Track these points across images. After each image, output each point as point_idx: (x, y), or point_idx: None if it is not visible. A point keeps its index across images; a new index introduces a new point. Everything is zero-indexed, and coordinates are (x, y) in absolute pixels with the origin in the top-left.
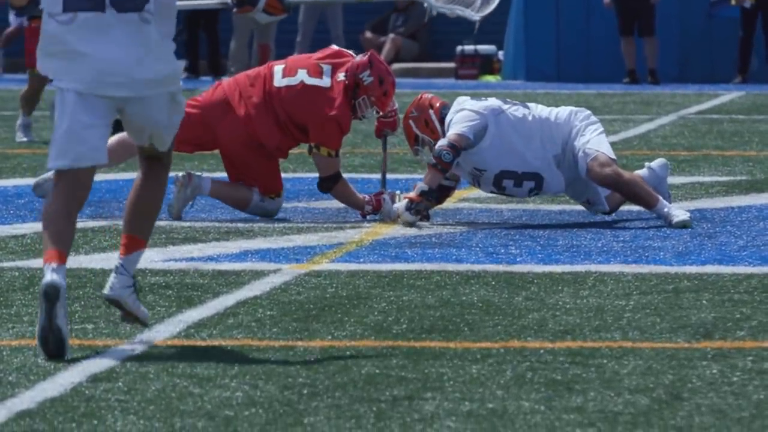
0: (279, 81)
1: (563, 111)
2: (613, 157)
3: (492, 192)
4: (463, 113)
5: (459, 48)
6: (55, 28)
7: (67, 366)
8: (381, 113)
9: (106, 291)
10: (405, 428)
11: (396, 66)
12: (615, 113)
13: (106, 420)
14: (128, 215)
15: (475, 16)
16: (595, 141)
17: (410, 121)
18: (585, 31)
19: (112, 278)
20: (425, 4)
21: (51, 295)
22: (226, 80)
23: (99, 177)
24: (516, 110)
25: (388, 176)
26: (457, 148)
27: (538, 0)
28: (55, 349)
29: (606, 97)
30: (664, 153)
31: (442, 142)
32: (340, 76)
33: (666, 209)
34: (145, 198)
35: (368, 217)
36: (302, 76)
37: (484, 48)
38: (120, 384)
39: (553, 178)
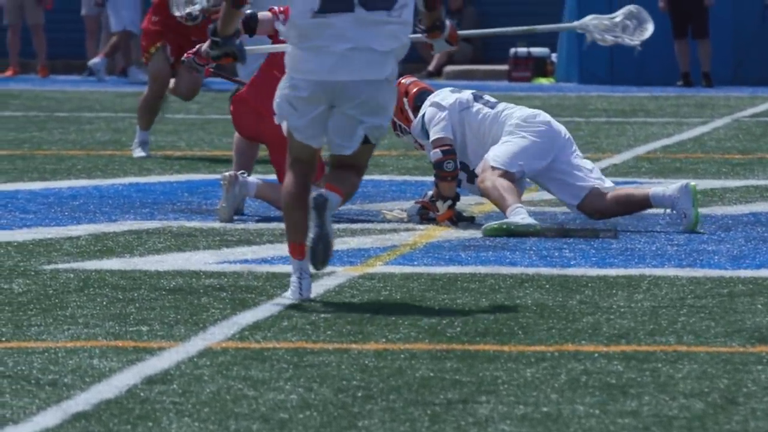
0: None
1: (517, 113)
2: (497, 166)
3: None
4: (431, 110)
5: (512, 50)
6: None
7: (122, 368)
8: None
9: (318, 193)
10: None
11: (449, 68)
12: (669, 116)
13: (161, 422)
14: (332, 175)
15: (633, 41)
16: (497, 150)
17: None
18: None
19: (325, 191)
20: (585, 34)
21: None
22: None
23: (153, 179)
24: (481, 109)
25: (419, 179)
26: (449, 150)
27: (591, 2)
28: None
29: (660, 100)
30: (718, 156)
31: (436, 154)
32: None
33: (510, 214)
34: (344, 177)
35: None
36: None
37: (537, 50)
38: (175, 386)
39: None
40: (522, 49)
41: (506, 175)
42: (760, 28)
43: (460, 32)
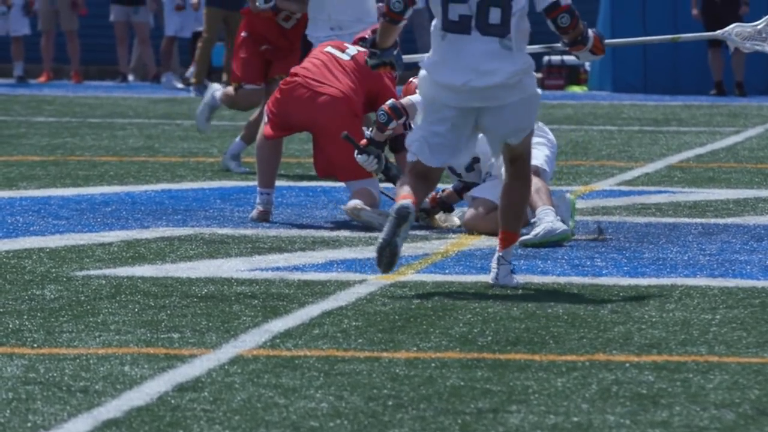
0: (343, 55)
1: None
2: (543, 167)
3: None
4: None
5: (545, 58)
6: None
7: (153, 375)
8: None
9: (491, 280)
10: None
11: None
12: (702, 125)
13: (192, 430)
14: (503, 214)
15: None
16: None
17: None
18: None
19: (495, 269)
20: (726, 41)
21: (403, 215)
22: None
23: (185, 185)
24: None
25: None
26: (396, 108)
27: (624, 10)
28: (388, 263)
29: (693, 109)
30: (751, 166)
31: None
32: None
33: (542, 216)
34: (514, 198)
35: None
36: (353, 50)
37: (570, 59)
38: (206, 394)
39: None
40: (555, 58)
41: (538, 173)
42: None
43: (609, 41)
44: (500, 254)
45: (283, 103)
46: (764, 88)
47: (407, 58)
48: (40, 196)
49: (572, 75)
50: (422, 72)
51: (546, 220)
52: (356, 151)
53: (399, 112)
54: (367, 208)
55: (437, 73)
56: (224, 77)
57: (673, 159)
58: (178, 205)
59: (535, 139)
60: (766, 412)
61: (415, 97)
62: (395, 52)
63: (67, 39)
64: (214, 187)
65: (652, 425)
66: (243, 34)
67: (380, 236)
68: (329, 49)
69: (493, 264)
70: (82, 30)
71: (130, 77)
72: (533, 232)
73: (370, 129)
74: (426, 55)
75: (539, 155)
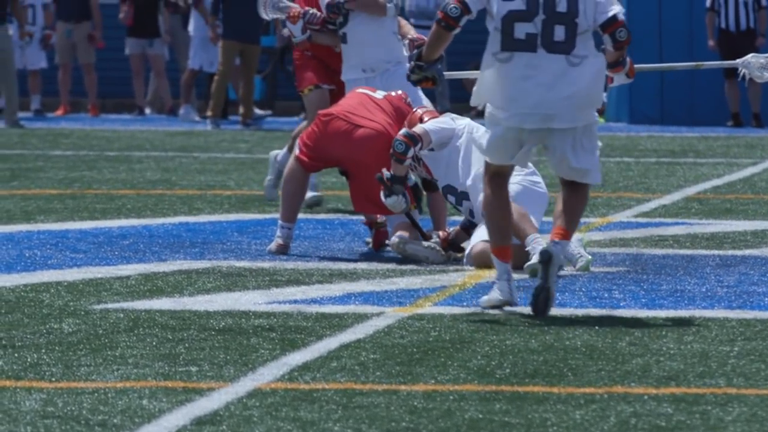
0: (376, 95)
1: None
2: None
3: (447, 201)
4: (442, 118)
5: None
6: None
7: (171, 409)
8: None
9: (545, 248)
10: None
11: None
12: (719, 156)
13: None
14: (564, 216)
15: None
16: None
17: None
18: (689, 74)
19: (550, 244)
20: (742, 71)
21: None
22: (327, 110)
23: (203, 218)
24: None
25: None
26: (413, 137)
27: (641, 42)
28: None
29: (710, 141)
30: None
31: (402, 132)
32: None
33: (532, 245)
34: (573, 205)
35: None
36: (383, 93)
37: None
38: (224, 427)
39: (474, 203)
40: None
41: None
42: None
43: (637, 66)
44: (556, 240)
45: (320, 136)
46: None
47: (449, 74)
48: (57, 229)
49: None
50: (488, 107)
51: (539, 249)
52: (383, 195)
53: (415, 138)
54: (411, 241)
55: (503, 97)
56: (289, 144)
57: (690, 190)
58: (195, 238)
59: (521, 183)
60: None
61: (428, 125)
62: (439, 66)
63: (84, 72)
64: (231, 220)
65: None
66: (308, 53)
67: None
68: (362, 90)
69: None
70: (98, 63)
71: (147, 110)
72: (530, 262)
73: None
74: (472, 73)
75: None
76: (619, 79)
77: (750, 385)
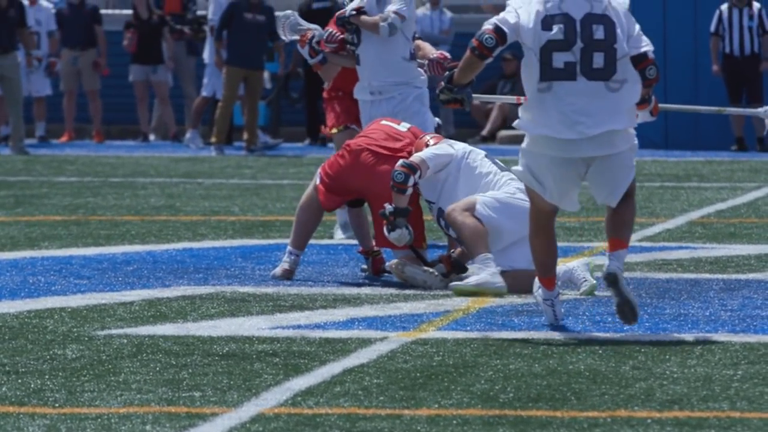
0: (400, 127)
1: (515, 184)
2: (479, 215)
3: (439, 225)
4: (440, 144)
5: None
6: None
7: None
8: None
9: (606, 270)
10: None
11: (503, 133)
12: (723, 181)
13: None
14: (615, 227)
15: None
16: (485, 198)
17: None
18: (693, 98)
19: (608, 263)
20: (766, 121)
21: (611, 279)
22: (353, 141)
23: (206, 244)
24: (482, 165)
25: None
26: (411, 166)
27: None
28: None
29: (714, 165)
30: None
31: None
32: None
33: (479, 265)
34: (623, 214)
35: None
36: (406, 125)
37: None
38: None
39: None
40: None
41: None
42: None
43: (661, 105)
44: (612, 255)
45: (344, 167)
46: None
47: (477, 97)
48: (61, 255)
49: None
50: (526, 139)
51: (486, 271)
52: (386, 230)
53: (413, 167)
54: (410, 264)
55: (544, 126)
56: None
57: (695, 215)
58: (199, 263)
59: (505, 189)
60: None
61: (424, 153)
62: (469, 90)
63: (89, 99)
64: (235, 246)
65: None
66: (339, 93)
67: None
68: (386, 122)
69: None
70: (103, 90)
71: (151, 136)
72: (467, 280)
73: (390, 204)
74: (501, 97)
75: (487, 202)
76: (644, 116)
77: (753, 409)
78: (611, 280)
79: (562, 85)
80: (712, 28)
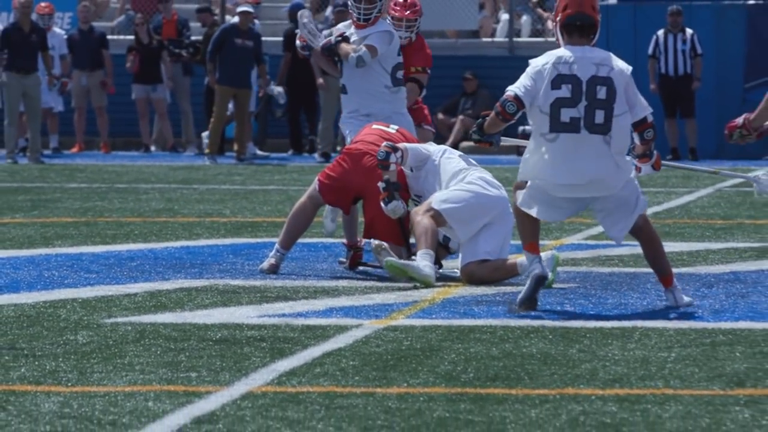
0: (390, 129)
1: (478, 173)
2: (438, 208)
3: None
4: (420, 144)
5: (520, 128)
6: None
7: (173, 410)
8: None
9: (676, 303)
10: None
11: (465, 144)
12: (659, 186)
13: None
14: (655, 266)
15: None
16: (441, 195)
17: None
18: None
19: (672, 297)
20: (754, 186)
21: (539, 282)
22: (355, 144)
23: (201, 242)
24: (459, 162)
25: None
26: (394, 147)
27: None
28: (526, 308)
29: None
30: (702, 221)
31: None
32: None
33: (420, 256)
34: (654, 250)
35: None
36: (395, 126)
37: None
38: (220, 425)
39: None
40: (529, 127)
41: (437, 217)
42: (740, 109)
43: (664, 163)
44: (669, 288)
45: (346, 168)
46: (714, 153)
47: (504, 140)
48: (73, 252)
49: None
50: (531, 182)
51: (422, 262)
52: (383, 203)
53: (395, 148)
54: (390, 252)
55: (552, 173)
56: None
57: None
58: (195, 259)
59: (464, 184)
60: None
61: (407, 144)
62: (497, 136)
63: (97, 114)
64: (227, 244)
65: None
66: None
67: (522, 293)
68: (377, 126)
69: (669, 295)
70: (109, 106)
71: (152, 147)
72: (402, 260)
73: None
74: (525, 141)
75: (446, 197)
76: (646, 169)
77: (685, 386)
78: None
79: (568, 136)
80: (650, 51)
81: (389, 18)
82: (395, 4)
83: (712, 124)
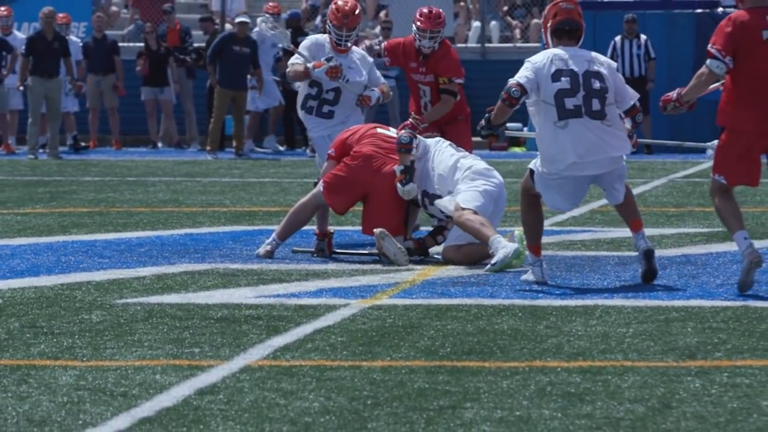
0: (390, 132)
1: (474, 165)
2: (468, 207)
3: (422, 205)
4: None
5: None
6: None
7: (179, 382)
8: None
9: (646, 248)
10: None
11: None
12: None
13: (210, 425)
14: (624, 212)
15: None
16: (465, 195)
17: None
18: None
19: (641, 242)
20: (708, 151)
21: (650, 254)
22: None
23: (204, 230)
24: (451, 150)
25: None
26: (413, 129)
27: None
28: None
29: None
30: (656, 209)
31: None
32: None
33: (495, 245)
34: (627, 200)
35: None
36: (393, 129)
37: (512, 125)
38: (221, 396)
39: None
40: (512, 124)
41: (476, 212)
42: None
43: (640, 140)
44: (637, 233)
45: (355, 168)
46: (667, 148)
47: (508, 132)
48: (87, 239)
49: (514, 138)
50: (541, 168)
51: (500, 249)
52: (400, 184)
53: (415, 133)
54: (390, 237)
55: (562, 158)
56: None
57: (595, 204)
58: (198, 245)
59: (474, 183)
60: (669, 406)
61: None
62: (502, 128)
63: (109, 114)
64: (227, 231)
65: (579, 417)
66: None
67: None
68: (378, 130)
69: (638, 241)
70: (121, 107)
71: (159, 144)
72: (492, 261)
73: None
74: (527, 133)
75: (470, 197)
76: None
77: (642, 359)
78: (649, 255)
79: (576, 120)
80: (608, 55)
81: (413, 28)
82: (420, 15)
83: (665, 120)
